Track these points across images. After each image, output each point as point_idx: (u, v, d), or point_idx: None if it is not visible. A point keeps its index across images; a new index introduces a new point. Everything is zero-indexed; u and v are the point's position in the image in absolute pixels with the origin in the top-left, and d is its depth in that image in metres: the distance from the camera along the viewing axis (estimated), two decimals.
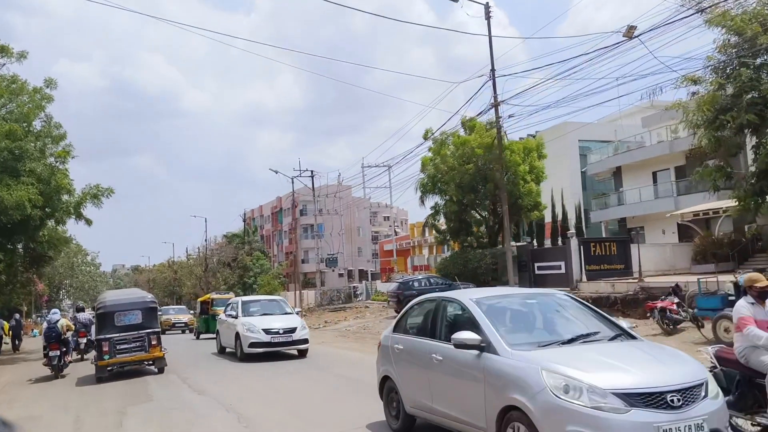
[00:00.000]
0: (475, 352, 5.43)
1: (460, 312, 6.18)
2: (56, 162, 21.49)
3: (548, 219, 38.88)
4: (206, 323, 26.62)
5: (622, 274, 27.48)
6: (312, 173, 50.28)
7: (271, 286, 63.66)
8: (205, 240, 64.71)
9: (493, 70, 16.59)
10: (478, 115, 17.44)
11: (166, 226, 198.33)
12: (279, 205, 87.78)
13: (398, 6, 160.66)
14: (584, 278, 27.45)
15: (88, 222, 22.54)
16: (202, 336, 27.02)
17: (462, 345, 5.47)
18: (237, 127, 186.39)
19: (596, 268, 27.53)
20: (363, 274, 71.29)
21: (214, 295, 27.98)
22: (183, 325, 35.75)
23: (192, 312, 45.48)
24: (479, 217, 32.40)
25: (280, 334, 15.07)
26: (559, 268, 28.46)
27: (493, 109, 16.98)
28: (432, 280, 27.79)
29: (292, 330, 15.26)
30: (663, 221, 34.07)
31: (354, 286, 58.19)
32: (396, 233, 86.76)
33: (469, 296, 6.21)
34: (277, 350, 15.36)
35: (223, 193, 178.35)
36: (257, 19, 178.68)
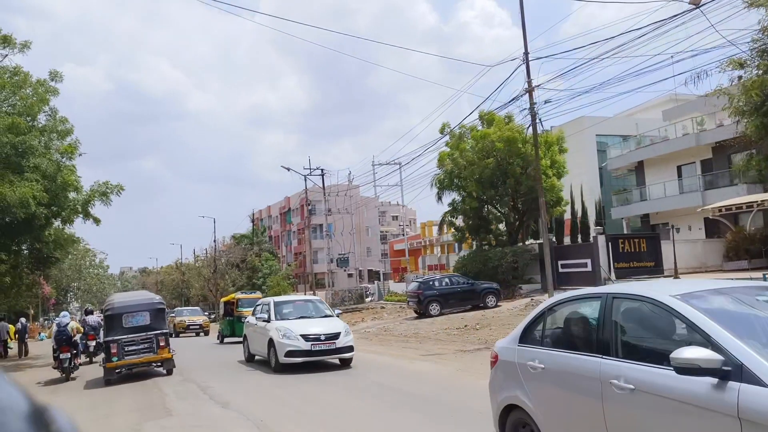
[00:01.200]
0: (712, 380, 3.50)
1: (656, 315, 4.17)
2: (62, 158, 20.43)
3: (567, 216, 37.73)
4: (231, 326, 24.61)
5: (652, 272, 26.30)
6: (322, 171, 49.23)
7: (280, 287, 62.65)
8: (214, 241, 63.61)
9: (526, 53, 15.45)
10: (510, 101, 16.23)
11: (173, 228, 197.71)
12: (287, 205, 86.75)
13: (401, 7, 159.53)
14: (613, 276, 26.30)
15: (97, 221, 21.47)
16: (227, 340, 24.98)
17: (690, 368, 3.49)
18: (242, 128, 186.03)
19: (625, 266, 26.38)
20: (372, 275, 70.20)
21: (239, 295, 25.75)
22: (198, 327, 34.21)
23: (207, 313, 44.36)
24: (499, 213, 31.21)
25: (321, 340, 13.02)
26: (585, 266, 27.32)
27: (526, 96, 15.74)
28: (453, 280, 26.64)
29: (335, 336, 13.16)
30: (689, 217, 32.85)
31: (365, 287, 57.13)
32: (405, 233, 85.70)
33: (669, 292, 4.12)
34: (318, 360, 13.35)
35: (229, 195, 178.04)
36: (261, 21, 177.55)
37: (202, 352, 21.59)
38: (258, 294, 26.97)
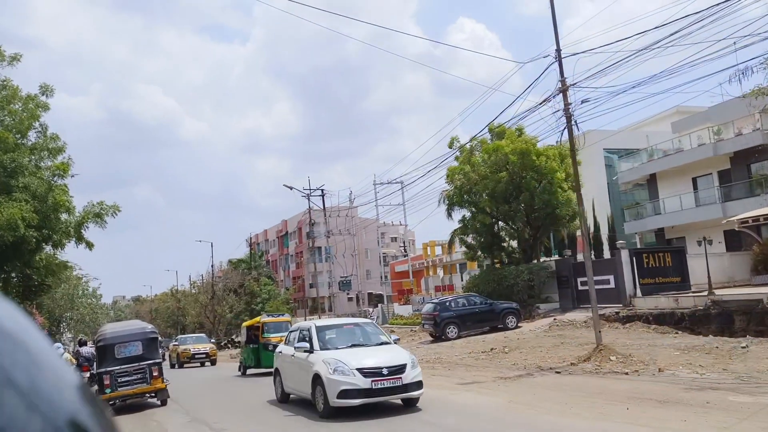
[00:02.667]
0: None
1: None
2: (54, 177, 19.01)
3: (578, 232, 36.48)
4: (255, 355, 21.07)
5: (678, 288, 24.97)
6: (323, 192, 47.71)
7: (280, 313, 60.98)
8: (212, 265, 61.98)
9: (558, 50, 14.25)
10: (541, 103, 14.95)
11: (167, 255, 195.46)
12: (285, 228, 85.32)
13: (391, 31, 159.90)
14: (638, 293, 24.94)
15: (90, 245, 20.00)
16: (250, 371, 21.76)
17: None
18: (235, 154, 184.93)
19: (650, 282, 25.03)
20: (373, 298, 68.59)
21: (265, 319, 22.14)
22: (204, 356, 31.09)
23: (213, 340, 41.11)
24: (512, 229, 29.83)
25: (383, 376, 10.05)
26: (608, 282, 25.92)
27: (559, 96, 14.49)
28: (470, 300, 25.19)
29: (401, 369, 10.19)
30: (707, 230, 31.60)
31: (366, 310, 55.53)
32: (406, 254, 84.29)
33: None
34: (382, 400, 10.48)
35: (223, 221, 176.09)
36: (253, 48, 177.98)
37: (219, 387, 18.43)
38: (287, 317, 23.15)
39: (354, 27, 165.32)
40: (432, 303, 25.84)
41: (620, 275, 25.06)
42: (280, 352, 12.97)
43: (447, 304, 24.69)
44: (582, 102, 14.17)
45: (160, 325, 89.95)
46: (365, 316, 49.18)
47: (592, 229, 36.89)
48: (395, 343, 11.60)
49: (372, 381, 10.01)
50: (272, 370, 18.40)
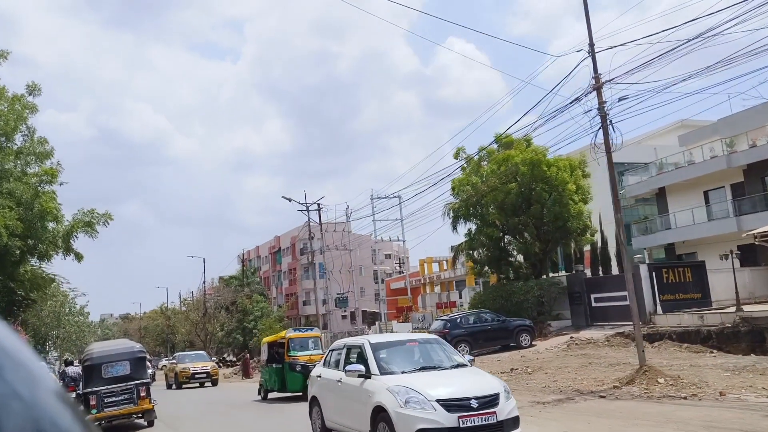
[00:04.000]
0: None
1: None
2: (41, 183, 17.62)
3: (586, 247, 35.38)
4: (278, 376, 17.85)
5: (699, 305, 23.84)
6: (319, 206, 46.26)
7: (273, 331, 59.42)
8: (203, 282, 60.43)
9: (591, 44, 13.14)
10: (571, 102, 13.80)
11: (155, 272, 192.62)
12: (277, 245, 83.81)
13: (382, 51, 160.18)
14: (659, 310, 23.77)
15: (79, 257, 18.56)
16: (272, 395, 18.69)
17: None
18: (225, 172, 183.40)
19: (671, 298, 23.89)
20: (367, 316, 67.08)
21: (291, 334, 18.38)
22: (204, 376, 28.42)
23: (214, 359, 38.58)
24: (521, 243, 28.59)
25: (473, 409, 7.53)
26: (625, 299, 24.67)
27: (589, 94, 13.36)
28: (482, 316, 23.91)
29: (493, 401, 7.70)
30: (720, 245, 30.55)
31: (361, 329, 54.09)
32: (403, 270, 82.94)
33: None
34: None
35: (213, 239, 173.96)
36: (244, 67, 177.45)
37: (236, 418, 15.29)
38: (316, 332, 19.36)
39: (345, 46, 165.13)
40: (442, 320, 24.51)
41: (639, 291, 23.85)
42: (319, 376, 10.20)
43: (458, 321, 23.37)
44: (620, 100, 13.03)
45: (150, 343, 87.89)
46: (365, 334, 47.73)
47: (599, 245, 35.83)
48: (470, 363, 9.04)
49: (459, 417, 7.40)
50: (298, 394, 16.20)
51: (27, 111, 18.06)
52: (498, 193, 26.62)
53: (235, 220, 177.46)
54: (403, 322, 45.84)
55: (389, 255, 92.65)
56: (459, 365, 8.78)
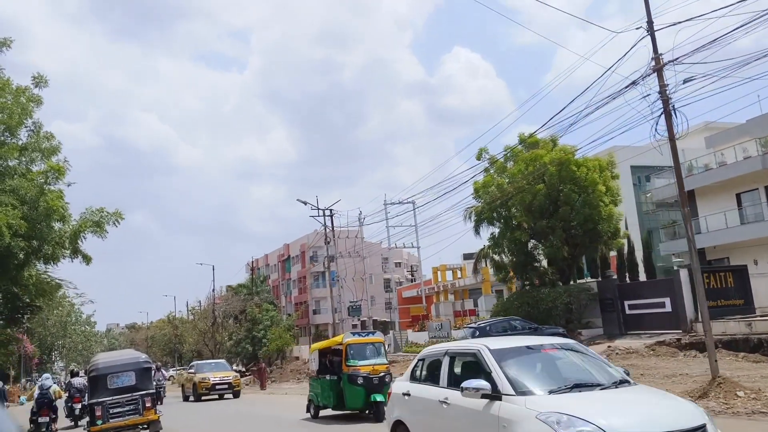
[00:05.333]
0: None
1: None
2: (47, 181, 16.42)
3: (612, 252, 34.02)
4: (333, 390, 14.63)
5: (742, 311, 22.46)
6: (331, 212, 44.85)
7: (282, 340, 58.14)
8: (213, 290, 59.17)
9: (650, 21, 11.90)
10: (628, 86, 12.53)
11: (162, 282, 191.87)
12: (287, 252, 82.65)
13: (386, 60, 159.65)
14: (700, 317, 22.35)
15: (87, 259, 17.35)
16: (325, 413, 15.35)
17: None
18: (230, 181, 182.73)
19: (713, 305, 22.32)
20: (378, 325, 65.63)
21: (349, 339, 14.95)
22: (226, 387, 25.81)
23: (235, 368, 35.29)
24: (549, 247, 27.20)
25: None
26: (663, 306, 23.40)
27: (649, 77, 12.09)
28: (512, 324, 22.61)
29: None
30: (755, 249, 29.22)
31: None
32: (414, 278, 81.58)
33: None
34: None
35: (219, 247, 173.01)
36: (249, 76, 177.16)
37: None
38: (379, 337, 15.79)
39: (350, 55, 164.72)
40: (470, 328, 23.20)
41: (679, 298, 22.54)
42: (406, 394, 7.66)
43: (487, 329, 22.05)
44: (684, 82, 11.75)
45: (157, 353, 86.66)
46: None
47: (626, 251, 34.45)
48: (628, 377, 6.26)
49: None
50: (356, 411, 13.85)
51: (32, 104, 16.93)
52: (525, 194, 25.34)
53: (241, 228, 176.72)
54: (418, 331, 44.46)
55: (399, 263, 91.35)
56: (622, 382, 6.04)
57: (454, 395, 6.45)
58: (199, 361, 31.81)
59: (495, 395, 5.83)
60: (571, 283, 27.74)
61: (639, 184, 41.75)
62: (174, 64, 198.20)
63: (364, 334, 15.71)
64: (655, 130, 12.06)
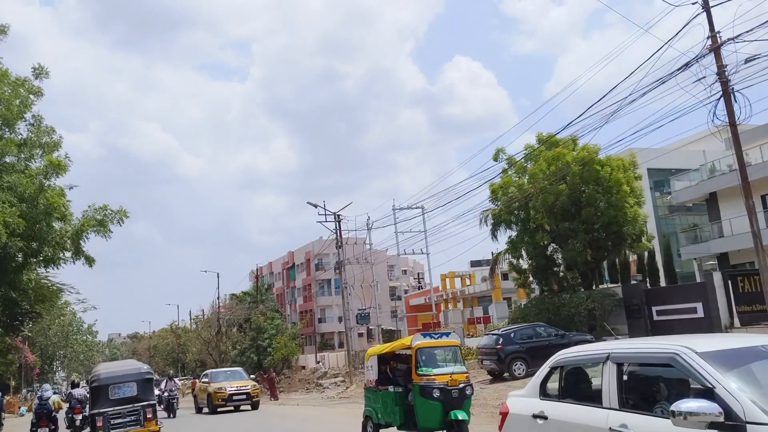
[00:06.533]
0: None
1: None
2: (47, 175, 15.35)
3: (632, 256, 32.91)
4: (399, 405, 11.68)
5: None
6: (339, 218, 43.72)
7: (288, 349, 56.95)
8: (217, 297, 58.06)
9: None
10: (680, 69, 11.46)
11: (164, 291, 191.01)
12: (291, 260, 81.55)
13: (389, 69, 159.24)
14: (736, 323, 21.23)
15: (90, 261, 16.25)
16: (383, 430, 12.44)
17: None
18: (233, 191, 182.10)
19: (747, 310, 21.34)
20: (384, 333, 64.41)
21: (420, 341, 11.64)
22: (244, 397, 23.59)
23: (253, 376, 31.19)
24: (573, 251, 26.03)
25: None
26: (694, 311, 22.23)
27: (702, 58, 11.03)
28: (537, 330, 21.46)
29: None
30: None
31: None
32: (421, 286, 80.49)
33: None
34: None
35: (221, 257, 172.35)
36: (251, 86, 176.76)
37: None
38: (455, 339, 12.37)
39: (351, 64, 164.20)
40: (494, 335, 22.02)
41: (713, 302, 21.40)
42: (540, 416, 5.52)
43: (511, 335, 20.88)
44: (746, 61, 10.69)
45: (159, 363, 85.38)
46: None
47: (646, 255, 33.32)
48: None
49: None
50: None
51: (32, 96, 15.91)
52: (547, 195, 24.24)
53: (244, 238, 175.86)
54: None
55: (405, 271, 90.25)
56: None
57: (636, 422, 4.35)
58: (213, 370, 29.35)
59: (733, 425, 3.69)
60: (594, 288, 26.59)
61: (655, 187, 40.76)
62: (176, 74, 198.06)
63: (437, 336, 12.26)
64: (714, 115, 10.96)
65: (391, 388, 11.94)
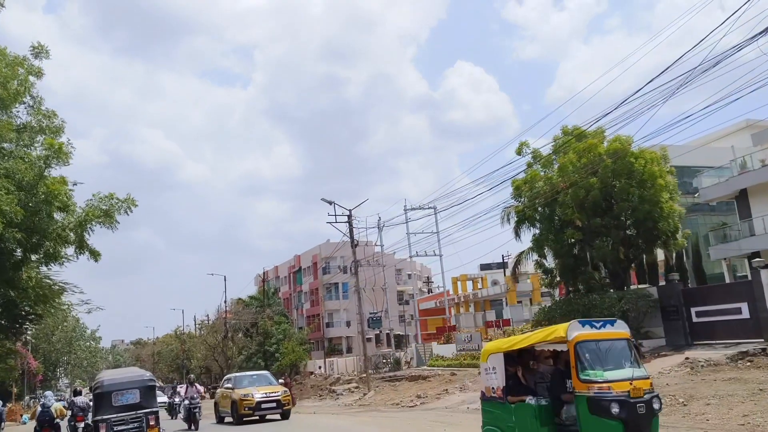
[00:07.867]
0: None
1: None
2: (47, 161, 14.01)
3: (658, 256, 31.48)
4: (545, 423, 8.06)
5: None
6: (350, 215, 41.77)
7: (296, 355, 55.60)
8: (224, 301, 56.74)
9: None
10: (755, 36, 10.11)
11: (167, 298, 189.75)
12: (297, 264, 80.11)
13: (390, 75, 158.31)
14: None
15: (95, 255, 14.91)
16: None
17: None
18: (235, 197, 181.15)
19: None
20: (392, 338, 62.97)
21: (579, 331, 7.76)
22: (274, 405, 20.26)
23: (281, 381, 26.68)
24: (604, 249, 24.58)
25: None
26: (738, 312, 20.81)
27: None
28: None
29: None
30: None
31: (388, 351, 50.20)
32: (430, 290, 79.05)
33: None
34: None
35: (224, 264, 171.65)
36: (253, 92, 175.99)
37: None
38: (623, 330, 8.14)
39: (353, 70, 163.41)
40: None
41: (760, 302, 19.95)
42: None
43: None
44: None
45: (163, 369, 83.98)
46: (401, 358, 43.64)
47: (674, 255, 31.88)
48: None
49: None
50: None
51: (32, 77, 14.62)
52: (578, 189, 22.87)
53: (247, 244, 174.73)
54: (443, 343, 41.81)
55: (411, 275, 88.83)
56: None
57: None
58: (236, 374, 25.64)
59: None
60: (625, 288, 25.17)
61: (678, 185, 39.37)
62: (179, 81, 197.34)
63: (598, 325, 8.06)
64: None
65: (530, 400, 8.35)
